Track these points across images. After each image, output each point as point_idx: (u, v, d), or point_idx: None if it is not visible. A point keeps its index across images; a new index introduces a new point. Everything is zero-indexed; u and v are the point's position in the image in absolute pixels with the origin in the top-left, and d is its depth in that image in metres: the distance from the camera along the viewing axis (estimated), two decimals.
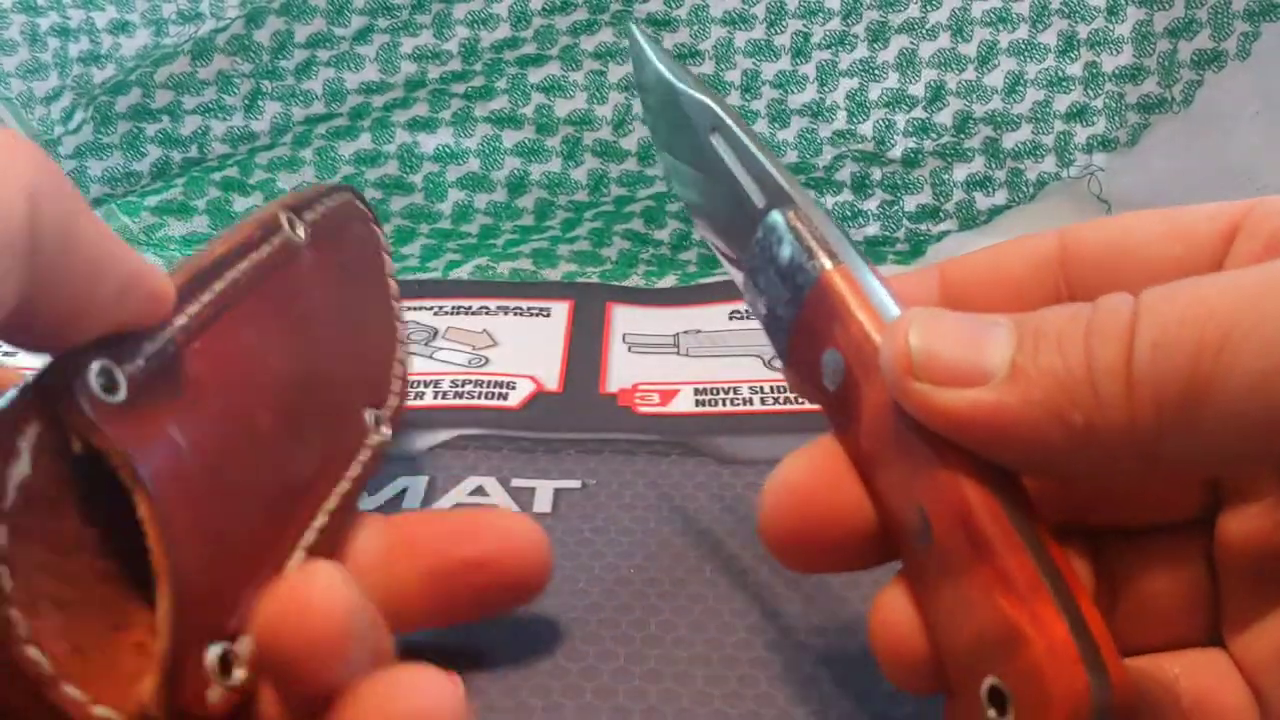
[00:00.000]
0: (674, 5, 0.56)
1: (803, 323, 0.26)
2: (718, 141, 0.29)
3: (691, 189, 0.30)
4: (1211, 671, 0.24)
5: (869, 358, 0.24)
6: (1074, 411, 0.20)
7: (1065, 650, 0.20)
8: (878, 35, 0.56)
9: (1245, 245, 0.25)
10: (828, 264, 0.25)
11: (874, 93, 0.56)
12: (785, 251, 0.26)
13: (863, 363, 0.24)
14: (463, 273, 0.53)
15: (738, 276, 0.29)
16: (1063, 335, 0.21)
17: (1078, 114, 0.56)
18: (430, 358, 0.46)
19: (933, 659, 0.23)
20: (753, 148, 0.28)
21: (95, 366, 0.21)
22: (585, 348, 0.47)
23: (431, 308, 0.50)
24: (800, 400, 0.43)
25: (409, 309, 0.50)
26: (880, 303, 0.25)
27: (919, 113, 0.56)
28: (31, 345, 0.21)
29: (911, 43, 0.56)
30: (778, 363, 0.26)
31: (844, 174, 0.56)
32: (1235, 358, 0.19)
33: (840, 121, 0.56)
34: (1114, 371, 0.20)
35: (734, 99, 0.57)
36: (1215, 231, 0.25)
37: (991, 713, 0.21)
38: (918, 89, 0.56)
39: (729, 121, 0.29)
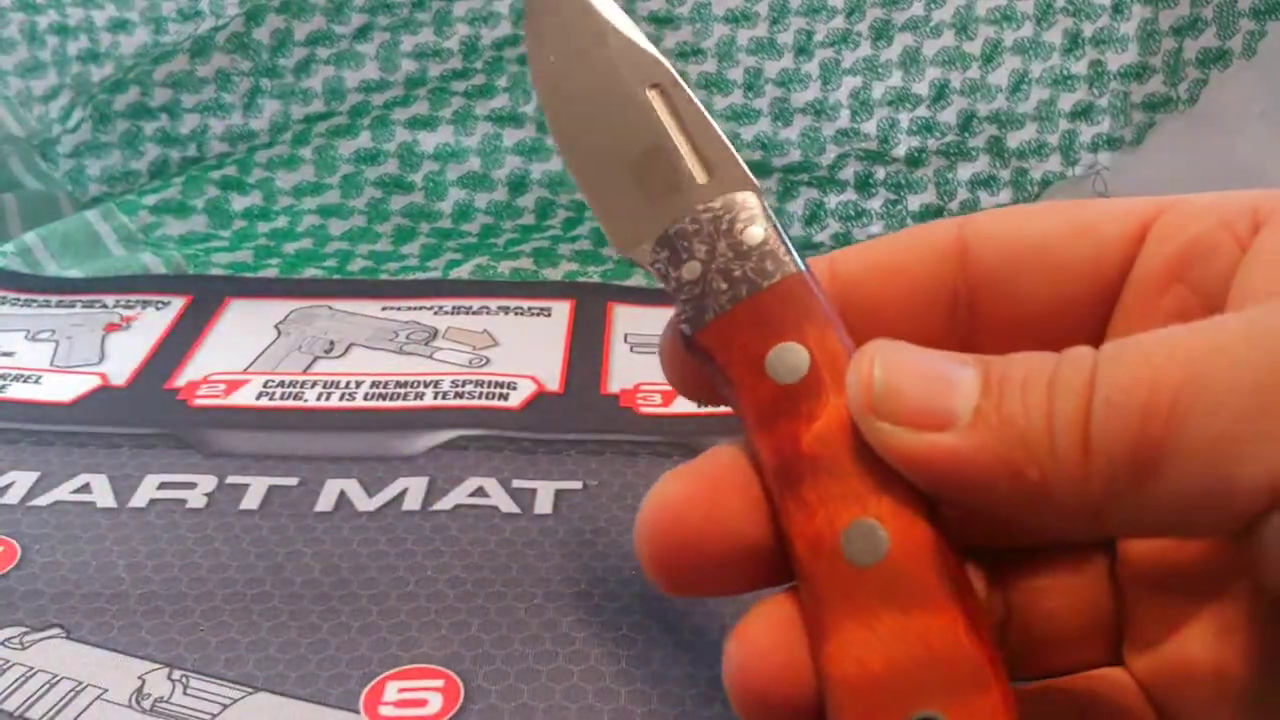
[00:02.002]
0: (676, 3, 0.56)
1: (753, 306, 0.24)
2: (655, 98, 0.27)
3: (586, 135, 0.27)
4: (1114, 691, 0.24)
5: (844, 366, 0.23)
6: (1031, 467, 0.20)
7: (1010, 701, 0.20)
8: (881, 33, 0.56)
9: (1156, 250, 0.24)
10: (800, 264, 0.24)
11: (877, 91, 0.56)
12: (755, 232, 0.25)
13: (835, 369, 0.23)
14: (463, 272, 0.53)
15: (621, 234, 0.26)
16: (1027, 384, 0.20)
17: (1082, 113, 0.55)
18: (430, 358, 0.46)
19: (815, 692, 0.22)
20: (706, 119, 0.27)
21: None
22: (587, 348, 0.47)
23: (431, 307, 0.50)
24: None
25: (409, 309, 0.49)
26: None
27: (923, 111, 0.56)
28: None
29: (915, 41, 0.55)
30: (682, 328, 0.24)
31: (847, 173, 0.56)
32: (1182, 425, 0.18)
33: (843, 120, 0.56)
34: (1072, 428, 0.19)
35: (737, 97, 0.56)
36: (1123, 233, 0.24)
37: None
38: (921, 87, 0.56)
39: (680, 85, 0.27)
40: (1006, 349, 0.21)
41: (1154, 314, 0.24)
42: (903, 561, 0.21)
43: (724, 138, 0.26)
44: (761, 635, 0.22)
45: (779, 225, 0.25)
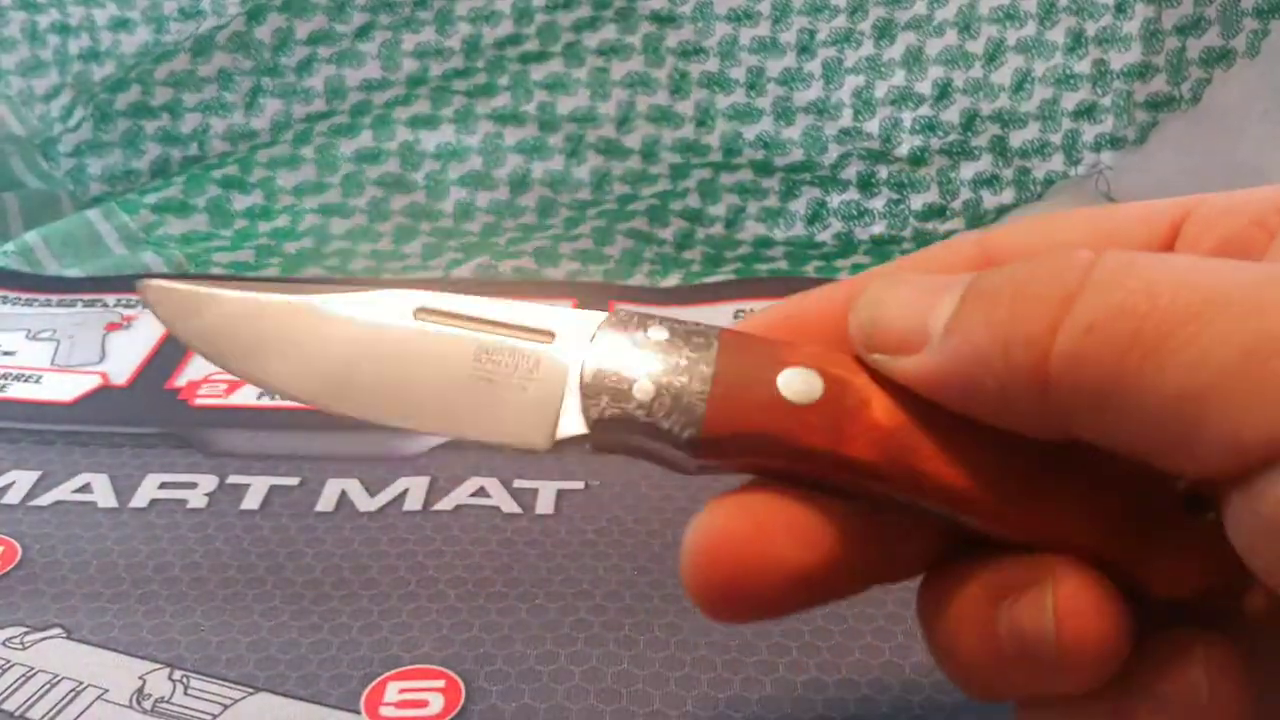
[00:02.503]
0: (678, 2, 0.56)
1: (726, 370, 0.22)
2: (424, 320, 0.24)
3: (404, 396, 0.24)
4: None
5: (841, 363, 0.22)
6: (987, 379, 0.20)
7: None
8: (884, 32, 0.55)
9: (1189, 251, 0.23)
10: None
11: (880, 90, 0.56)
12: (657, 331, 0.23)
13: (837, 365, 0.22)
14: (464, 271, 0.53)
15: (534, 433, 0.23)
16: (997, 295, 0.20)
17: (1086, 112, 0.55)
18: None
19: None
20: (489, 302, 0.24)
21: None
22: None
23: None
24: None
25: None
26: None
27: (925, 110, 0.56)
28: None
29: (918, 40, 0.55)
30: (687, 431, 0.22)
31: (850, 172, 0.56)
32: (1160, 369, 0.18)
33: (846, 119, 0.56)
34: (1032, 343, 0.19)
35: (739, 96, 0.56)
36: (1152, 236, 0.24)
37: None
38: (924, 86, 0.55)
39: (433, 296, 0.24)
40: None
41: None
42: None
43: (516, 305, 0.24)
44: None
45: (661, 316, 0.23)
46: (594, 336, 0.23)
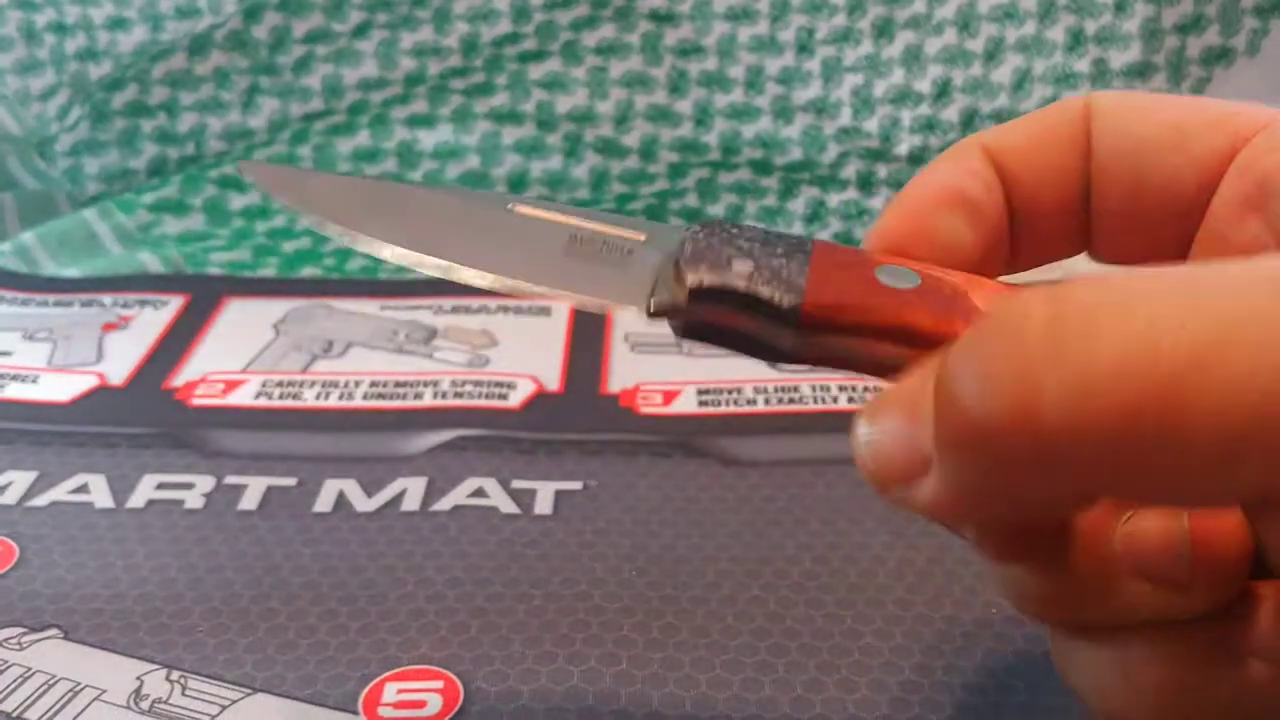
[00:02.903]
0: (677, 1, 0.55)
1: (824, 255, 0.23)
2: (526, 209, 0.25)
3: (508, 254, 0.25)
4: None
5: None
6: (996, 490, 0.18)
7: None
8: (883, 31, 0.55)
9: (1234, 186, 0.23)
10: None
11: (879, 89, 0.56)
12: (754, 233, 0.23)
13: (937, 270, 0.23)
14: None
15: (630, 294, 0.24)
16: (961, 399, 0.17)
17: None
18: (429, 358, 0.46)
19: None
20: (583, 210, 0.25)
21: None
22: (586, 347, 0.46)
23: (431, 307, 0.49)
24: (804, 401, 0.43)
25: (408, 308, 0.49)
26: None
27: (925, 109, 0.55)
28: None
29: (917, 38, 0.55)
30: (787, 298, 0.22)
31: (849, 171, 0.56)
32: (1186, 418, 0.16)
33: (845, 118, 0.56)
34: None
35: (738, 95, 0.56)
36: (1213, 151, 0.24)
37: None
38: (924, 85, 0.55)
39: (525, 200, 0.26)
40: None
41: (1227, 247, 0.23)
42: None
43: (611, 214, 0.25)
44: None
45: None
46: (687, 232, 0.23)
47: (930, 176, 0.25)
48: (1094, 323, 0.16)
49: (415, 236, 0.25)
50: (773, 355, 0.23)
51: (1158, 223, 0.25)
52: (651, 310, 0.23)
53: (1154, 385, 0.15)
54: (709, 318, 0.23)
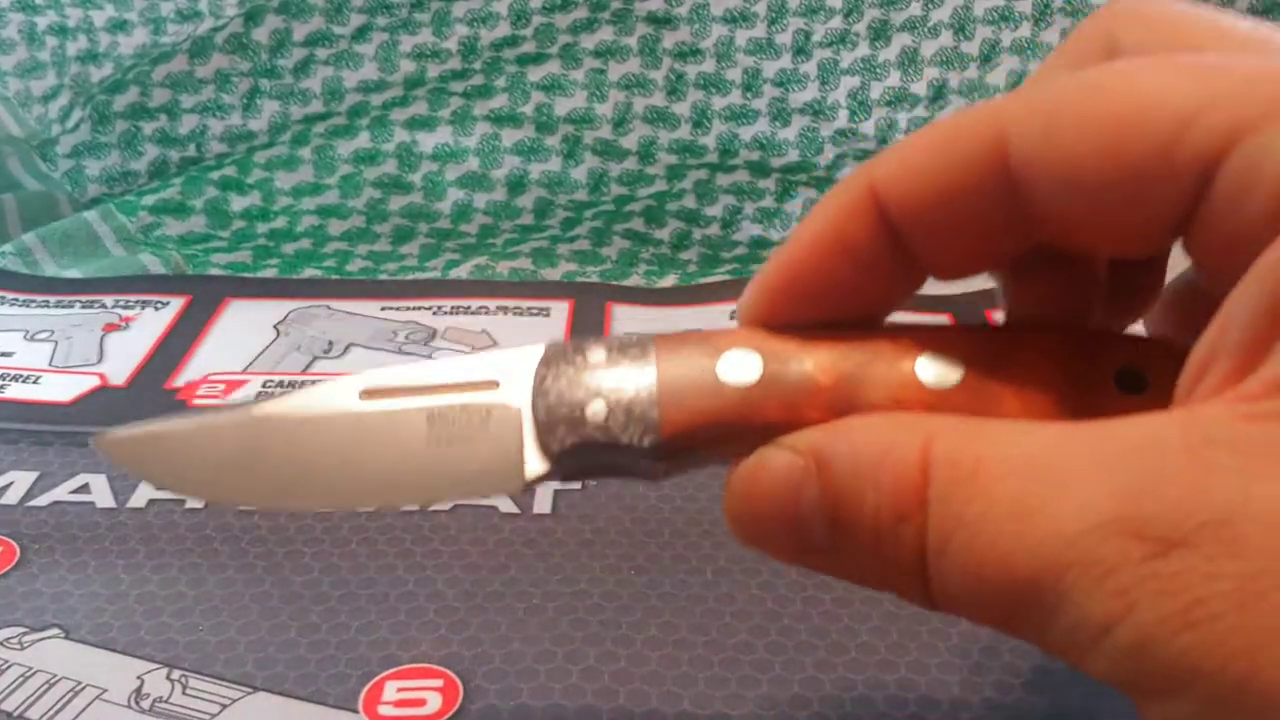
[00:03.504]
0: (675, 4, 0.56)
1: (665, 379, 0.23)
2: (371, 401, 0.24)
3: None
4: None
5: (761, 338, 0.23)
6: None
7: None
8: (879, 33, 0.56)
9: (1235, 205, 0.18)
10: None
11: (876, 91, 0.56)
12: (597, 354, 0.23)
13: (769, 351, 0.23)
14: (462, 272, 0.53)
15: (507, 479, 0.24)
16: (860, 514, 0.20)
17: None
18: (429, 358, 0.46)
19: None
20: (427, 365, 0.25)
21: None
22: None
23: (430, 308, 0.50)
24: None
25: (408, 309, 0.49)
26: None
27: (921, 111, 0.56)
28: None
29: (913, 41, 0.55)
30: (647, 437, 0.22)
31: (846, 173, 0.56)
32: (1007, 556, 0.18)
33: (842, 120, 0.56)
34: (910, 573, 0.19)
35: (735, 97, 0.56)
36: (1195, 154, 0.18)
37: None
38: (920, 88, 0.56)
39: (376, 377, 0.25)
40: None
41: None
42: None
43: (455, 361, 0.24)
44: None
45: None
46: (535, 373, 0.23)
47: (811, 225, 0.23)
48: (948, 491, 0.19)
49: (277, 484, 0.24)
50: (650, 478, 0.23)
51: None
52: (525, 485, 0.23)
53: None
54: (580, 468, 0.23)
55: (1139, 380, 0.22)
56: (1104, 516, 0.17)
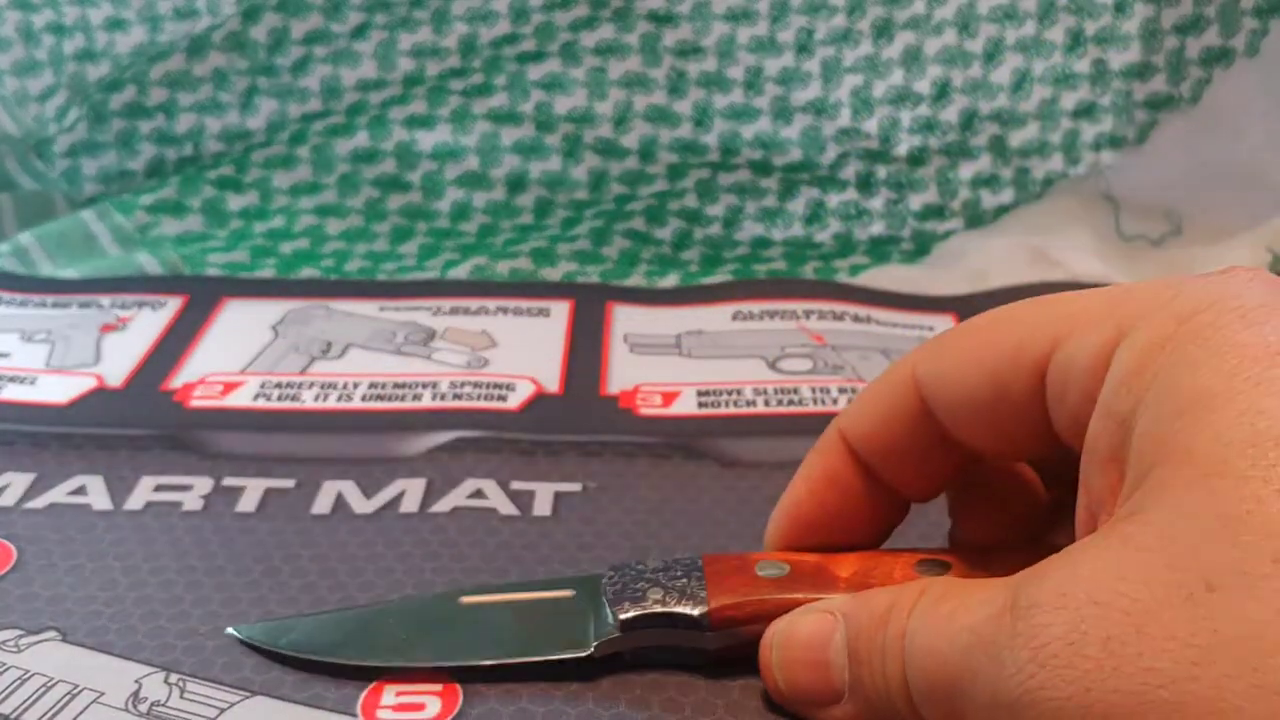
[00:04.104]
0: (676, 1, 0.55)
1: (712, 574, 0.29)
2: (472, 601, 0.31)
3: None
4: None
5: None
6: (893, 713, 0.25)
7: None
8: (882, 31, 0.55)
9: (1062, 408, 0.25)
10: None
11: (878, 90, 0.55)
12: (654, 564, 0.30)
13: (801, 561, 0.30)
14: (461, 272, 0.53)
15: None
16: (871, 655, 0.25)
17: (1085, 111, 0.55)
18: (428, 359, 0.45)
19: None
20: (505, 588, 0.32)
21: None
22: (586, 348, 0.46)
23: (429, 308, 0.49)
24: (803, 403, 0.43)
25: (407, 309, 0.49)
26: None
27: (924, 110, 0.55)
28: None
29: (917, 39, 0.55)
30: (697, 609, 0.29)
31: (848, 172, 0.56)
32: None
33: (844, 119, 0.56)
34: (899, 697, 0.24)
35: (737, 96, 0.56)
36: (1030, 389, 0.25)
37: None
38: (923, 86, 0.55)
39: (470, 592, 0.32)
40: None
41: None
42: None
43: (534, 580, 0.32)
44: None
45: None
46: (605, 577, 0.30)
47: (804, 467, 0.30)
48: (916, 633, 0.25)
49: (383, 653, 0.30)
50: (694, 658, 0.29)
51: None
52: (595, 649, 0.29)
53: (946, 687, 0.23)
54: (640, 641, 0.29)
55: (944, 567, 0.29)
56: (995, 603, 0.22)
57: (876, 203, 0.56)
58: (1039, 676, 0.20)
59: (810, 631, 0.27)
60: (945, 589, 0.24)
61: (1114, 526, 0.21)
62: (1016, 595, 0.22)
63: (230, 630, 0.31)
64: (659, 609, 0.28)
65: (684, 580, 0.29)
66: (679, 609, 0.28)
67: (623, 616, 0.28)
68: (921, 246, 0.55)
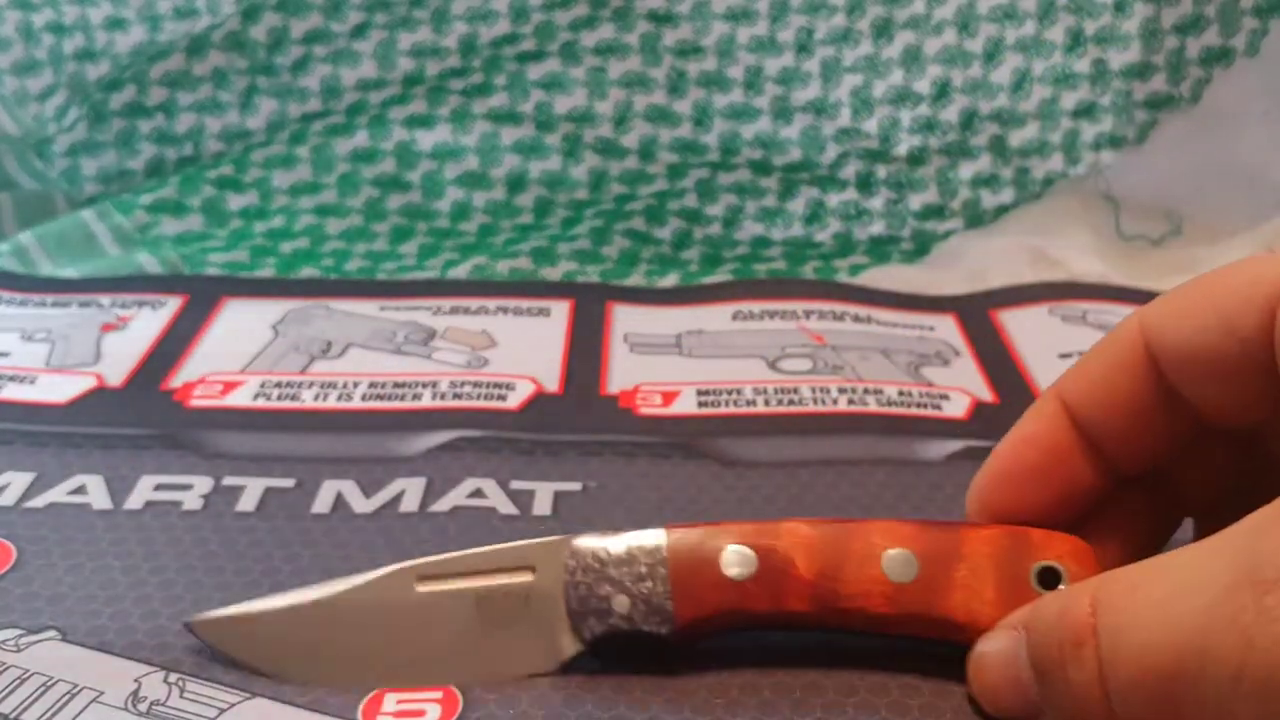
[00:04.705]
0: (676, 1, 0.55)
1: (676, 563, 0.28)
2: (426, 586, 0.30)
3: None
4: None
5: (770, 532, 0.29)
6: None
7: None
8: (882, 31, 0.55)
9: None
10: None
11: (878, 89, 0.55)
12: (617, 546, 0.29)
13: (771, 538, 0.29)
14: (461, 272, 0.53)
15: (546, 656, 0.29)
16: (1058, 678, 0.24)
17: (1085, 111, 0.55)
18: (428, 358, 0.45)
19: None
20: (471, 552, 0.30)
21: None
22: (586, 348, 0.46)
23: (429, 307, 0.49)
24: (803, 402, 0.43)
25: (407, 309, 0.49)
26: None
27: (924, 110, 0.55)
28: None
29: (916, 39, 0.55)
30: (663, 627, 0.29)
31: (848, 172, 0.56)
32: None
33: (844, 119, 0.56)
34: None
35: (737, 95, 0.56)
36: (1259, 326, 0.25)
37: None
38: (923, 86, 0.55)
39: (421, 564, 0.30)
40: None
41: None
42: None
43: (493, 549, 0.30)
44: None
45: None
46: (566, 566, 0.29)
47: (1015, 441, 0.29)
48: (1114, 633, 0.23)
49: (346, 668, 0.29)
50: (665, 647, 0.29)
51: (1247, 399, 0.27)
52: (562, 669, 0.29)
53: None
54: (606, 645, 0.29)
55: (1057, 577, 0.28)
56: (1221, 580, 0.21)
57: (876, 203, 0.56)
58: None
59: (998, 650, 0.27)
60: (1137, 576, 0.23)
61: None
62: (1254, 567, 0.21)
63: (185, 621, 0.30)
64: (625, 627, 0.28)
65: (649, 583, 0.28)
66: (646, 627, 0.28)
67: (588, 636, 0.29)
68: (921, 246, 0.55)
